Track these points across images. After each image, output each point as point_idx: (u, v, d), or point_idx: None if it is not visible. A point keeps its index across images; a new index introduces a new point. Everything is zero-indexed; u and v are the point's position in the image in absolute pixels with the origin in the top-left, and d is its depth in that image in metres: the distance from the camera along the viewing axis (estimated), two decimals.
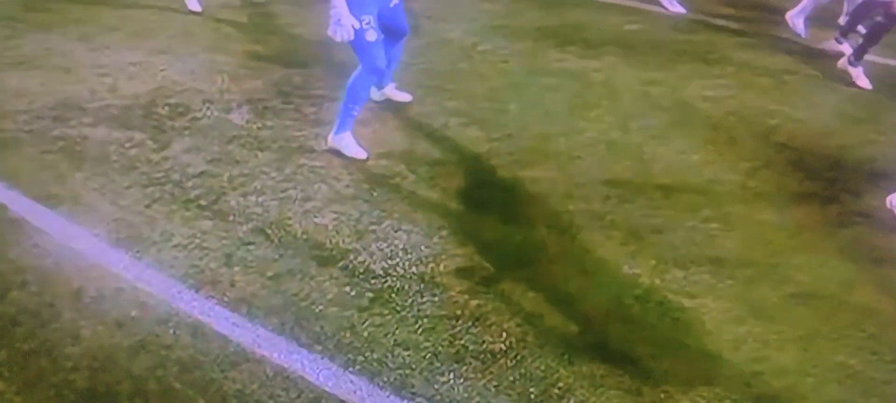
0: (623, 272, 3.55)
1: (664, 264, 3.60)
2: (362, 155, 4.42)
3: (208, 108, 5.11)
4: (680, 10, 6.01)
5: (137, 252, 3.70)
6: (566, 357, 3.06)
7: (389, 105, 5.15)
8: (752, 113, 4.92)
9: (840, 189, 4.16)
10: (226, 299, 3.38)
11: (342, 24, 3.90)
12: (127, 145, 4.67)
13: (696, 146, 4.56)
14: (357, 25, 3.95)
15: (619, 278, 3.51)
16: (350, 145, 4.44)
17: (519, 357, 3.05)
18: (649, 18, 6.53)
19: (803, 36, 5.94)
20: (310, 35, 6.36)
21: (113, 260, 3.64)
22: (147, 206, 4.06)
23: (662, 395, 2.90)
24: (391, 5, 4.31)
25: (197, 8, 6.72)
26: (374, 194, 4.14)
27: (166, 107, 5.14)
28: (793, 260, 3.64)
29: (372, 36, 4.08)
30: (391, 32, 4.39)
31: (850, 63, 5.48)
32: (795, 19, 5.99)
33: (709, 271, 3.56)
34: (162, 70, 5.73)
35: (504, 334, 3.17)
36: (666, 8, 6.06)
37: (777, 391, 2.94)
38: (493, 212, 3.98)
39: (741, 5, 6.80)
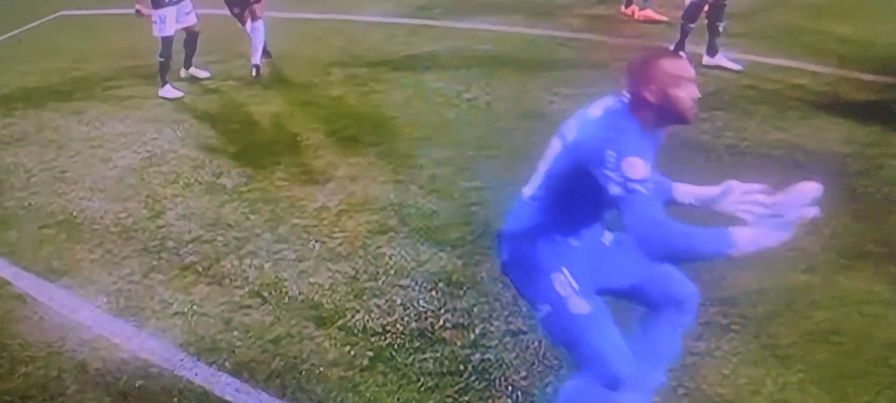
0: None
1: None
2: None
3: (199, 174, 5.18)
4: (736, 66, 6.04)
5: (138, 321, 3.74)
6: None
7: (384, 153, 5.21)
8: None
9: None
10: (227, 365, 3.40)
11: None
12: (122, 215, 4.73)
13: None
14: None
15: None
16: None
17: None
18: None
19: None
20: (295, 99, 6.47)
21: (115, 331, 3.67)
22: (145, 275, 4.10)
23: None
24: (606, 242, 2.59)
25: (177, 94, 6.71)
26: (368, 250, 4.17)
27: (158, 176, 5.21)
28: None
29: (581, 306, 2.38)
30: (645, 296, 2.58)
31: None
32: None
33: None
34: (153, 139, 5.81)
35: (510, 388, 3.14)
36: (727, 67, 6.04)
37: None
38: (491, 262, 3.97)
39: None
